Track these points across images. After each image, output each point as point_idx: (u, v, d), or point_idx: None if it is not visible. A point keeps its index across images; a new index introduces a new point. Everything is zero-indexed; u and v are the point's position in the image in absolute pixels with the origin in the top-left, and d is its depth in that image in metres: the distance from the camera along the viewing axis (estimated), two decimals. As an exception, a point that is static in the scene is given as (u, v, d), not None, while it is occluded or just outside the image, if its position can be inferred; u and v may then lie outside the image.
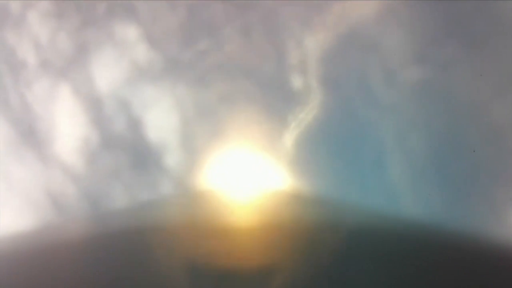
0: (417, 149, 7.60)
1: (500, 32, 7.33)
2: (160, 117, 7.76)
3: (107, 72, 7.74)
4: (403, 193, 7.64)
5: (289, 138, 7.52)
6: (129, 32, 7.70)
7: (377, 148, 7.54)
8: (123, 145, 7.82)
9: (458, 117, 7.54)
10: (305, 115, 7.51)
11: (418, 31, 7.66)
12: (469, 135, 7.51)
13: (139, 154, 7.77)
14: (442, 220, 7.61)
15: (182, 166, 7.68)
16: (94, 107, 7.76)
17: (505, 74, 7.43)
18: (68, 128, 7.76)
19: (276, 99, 7.67)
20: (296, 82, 7.57)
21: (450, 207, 7.74)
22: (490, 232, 7.40)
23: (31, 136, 7.72)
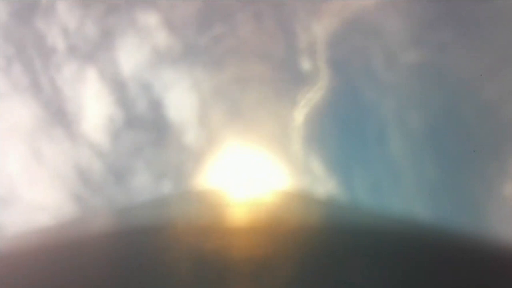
0: (416, 124, 8.24)
1: (491, 16, 7.98)
2: (179, 98, 8.38)
3: (130, 56, 8.35)
4: (402, 165, 8.28)
5: (299, 115, 8.16)
6: (150, 19, 8.32)
7: (379, 124, 8.17)
8: (145, 124, 8.45)
9: (454, 95, 8.18)
10: (313, 95, 8.15)
11: (416, 16, 8.30)
12: (464, 111, 8.16)
13: (159, 132, 8.40)
14: (440, 200, 8.23)
15: (200, 142, 8.32)
16: (118, 89, 8.38)
17: (496, 56, 8.08)
18: (94, 108, 8.38)
19: (286, 80, 8.31)
20: (305, 64, 8.21)
21: (447, 180, 8.37)
22: (489, 223, 8.03)
23: (60, 116, 8.34)
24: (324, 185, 8.05)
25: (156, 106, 8.38)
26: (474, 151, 8.14)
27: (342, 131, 8.20)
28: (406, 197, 8.38)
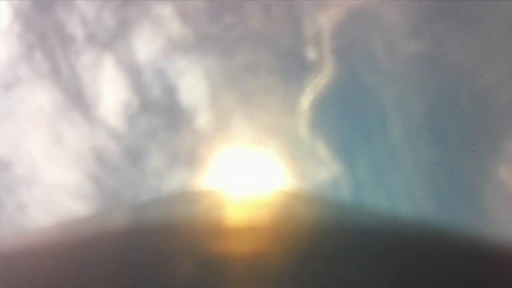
0: (415, 110, 8.74)
1: (487, 9, 8.49)
2: (191, 84, 8.85)
3: (145, 44, 8.82)
4: (402, 148, 8.77)
5: (305, 101, 8.64)
6: (164, 9, 8.79)
7: (380, 109, 8.66)
8: (159, 108, 8.91)
9: (451, 82, 8.68)
10: (319, 82, 8.64)
11: (416, 9, 8.81)
12: (461, 97, 8.67)
13: (173, 116, 8.87)
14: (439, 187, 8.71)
15: (210, 125, 8.79)
16: (134, 75, 8.84)
17: (491, 46, 8.59)
18: (111, 93, 8.83)
19: (293, 68, 8.79)
20: (311, 53, 8.70)
21: (445, 163, 8.86)
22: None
23: (79, 100, 8.79)
24: (328, 168, 8.53)
25: (170, 91, 8.85)
26: (474, 151, 8.65)
27: (346, 116, 8.69)
28: (405, 178, 8.87)
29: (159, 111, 8.89)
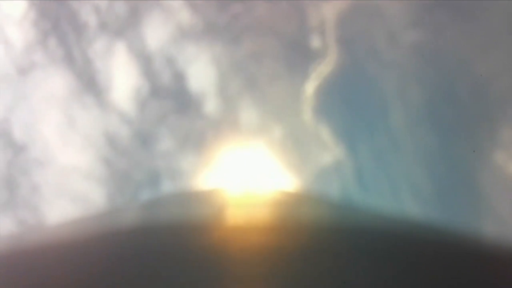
0: (415, 97, 9.09)
1: (484, 0, 8.84)
2: (200, 71, 9.19)
3: (155, 32, 9.16)
4: (403, 134, 9.11)
5: (309, 88, 8.99)
6: (174, -1, 9.14)
7: (381, 97, 9.01)
8: (169, 94, 9.26)
9: (450, 71, 9.03)
10: (323, 69, 8.98)
11: (416, 0, 9.17)
12: (459, 85, 9.02)
13: (182, 102, 9.21)
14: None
15: (218, 112, 9.13)
16: (145, 62, 9.19)
17: (488, 36, 8.94)
18: (122, 79, 9.17)
19: (298, 56, 9.14)
20: (315, 41, 9.05)
21: (443, 148, 9.21)
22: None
23: (92, 86, 9.13)
24: (331, 152, 8.87)
25: (179, 78, 9.19)
26: (474, 151, 8.99)
27: (349, 102, 9.04)
28: (405, 163, 9.20)
29: (169, 97, 9.24)
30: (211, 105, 9.10)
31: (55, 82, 9.06)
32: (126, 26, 9.16)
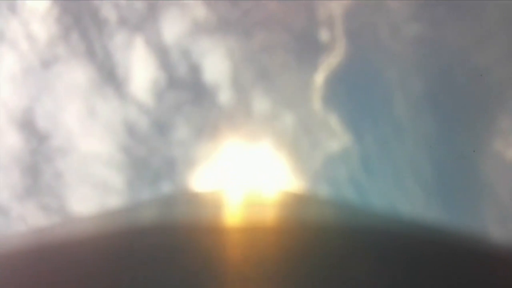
0: (417, 87, 9.65)
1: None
2: (214, 63, 9.71)
3: (172, 27, 9.67)
4: (406, 122, 9.66)
5: (318, 78, 9.52)
6: (190, -5, 9.65)
7: (386, 87, 9.55)
8: (185, 86, 9.77)
9: (449, 62, 9.60)
10: (331, 61, 9.52)
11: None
12: (458, 76, 9.59)
13: (197, 92, 9.72)
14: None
15: (232, 102, 9.64)
16: (162, 55, 9.69)
17: (485, 29, 9.51)
18: (141, 71, 9.67)
19: (307, 48, 9.68)
20: (324, 34, 9.59)
21: (444, 135, 9.76)
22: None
23: (112, 77, 9.62)
24: (339, 139, 9.39)
25: (194, 70, 9.70)
26: (474, 151, 9.54)
27: (355, 91, 9.58)
28: (408, 149, 9.74)
29: (185, 88, 9.75)
30: (225, 96, 9.62)
31: (77, 75, 9.55)
32: (144, 22, 9.67)
